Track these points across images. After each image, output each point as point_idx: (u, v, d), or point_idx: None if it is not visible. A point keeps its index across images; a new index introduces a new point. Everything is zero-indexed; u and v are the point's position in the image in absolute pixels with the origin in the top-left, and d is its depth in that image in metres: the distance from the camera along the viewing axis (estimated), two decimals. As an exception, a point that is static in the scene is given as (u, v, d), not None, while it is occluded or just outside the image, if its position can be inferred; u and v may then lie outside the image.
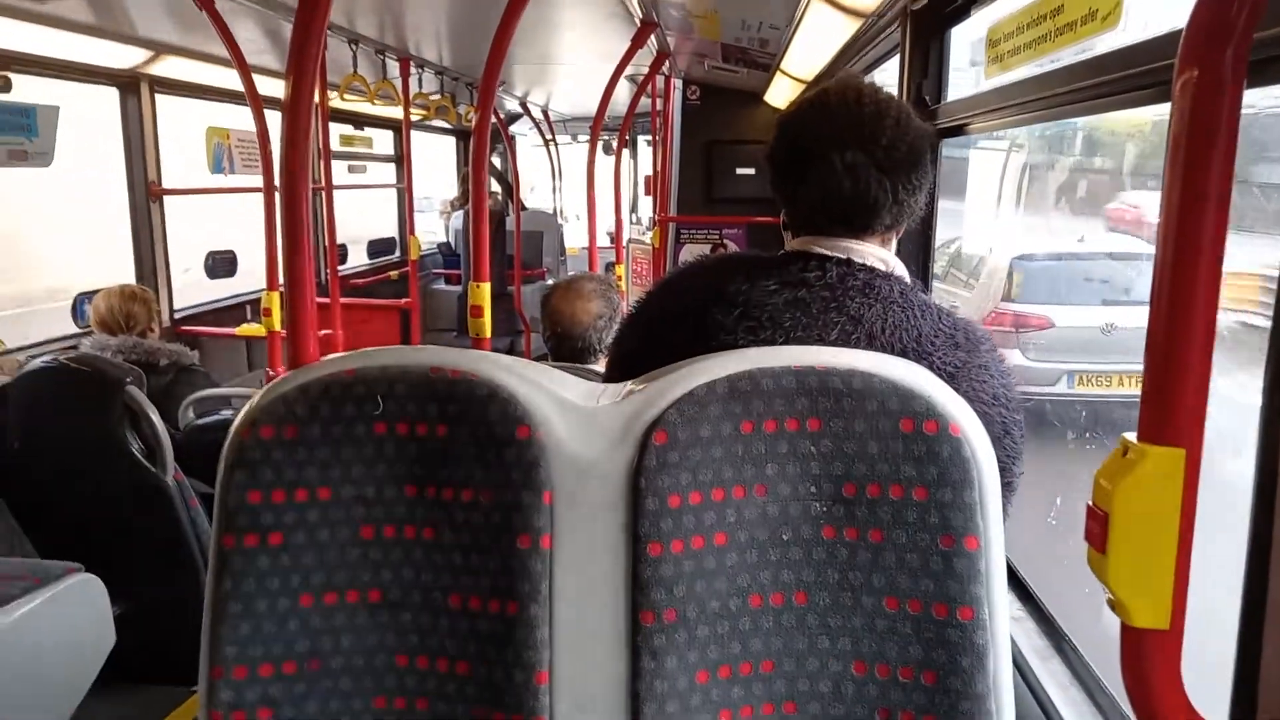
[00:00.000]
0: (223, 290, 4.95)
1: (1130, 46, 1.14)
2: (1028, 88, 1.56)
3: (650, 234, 5.61)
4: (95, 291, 3.43)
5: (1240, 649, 0.80)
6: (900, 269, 1.14)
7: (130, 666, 2.03)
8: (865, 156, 1.08)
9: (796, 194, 1.14)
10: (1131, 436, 0.65)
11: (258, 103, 3.58)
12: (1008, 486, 1.04)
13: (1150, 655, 0.66)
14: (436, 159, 8.43)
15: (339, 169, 5.94)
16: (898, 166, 1.09)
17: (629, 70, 4.12)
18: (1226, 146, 0.63)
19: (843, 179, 1.08)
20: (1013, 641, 0.94)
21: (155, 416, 2.37)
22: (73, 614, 1.73)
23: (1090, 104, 1.34)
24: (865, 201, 1.09)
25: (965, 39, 2.16)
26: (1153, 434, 0.64)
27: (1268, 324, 0.80)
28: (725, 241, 5.57)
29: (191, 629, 0.93)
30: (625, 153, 7.39)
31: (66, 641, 1.72)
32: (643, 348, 1.15)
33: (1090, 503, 0.67)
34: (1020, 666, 1.44)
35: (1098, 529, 0.65)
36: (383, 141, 6.74)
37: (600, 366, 2.25)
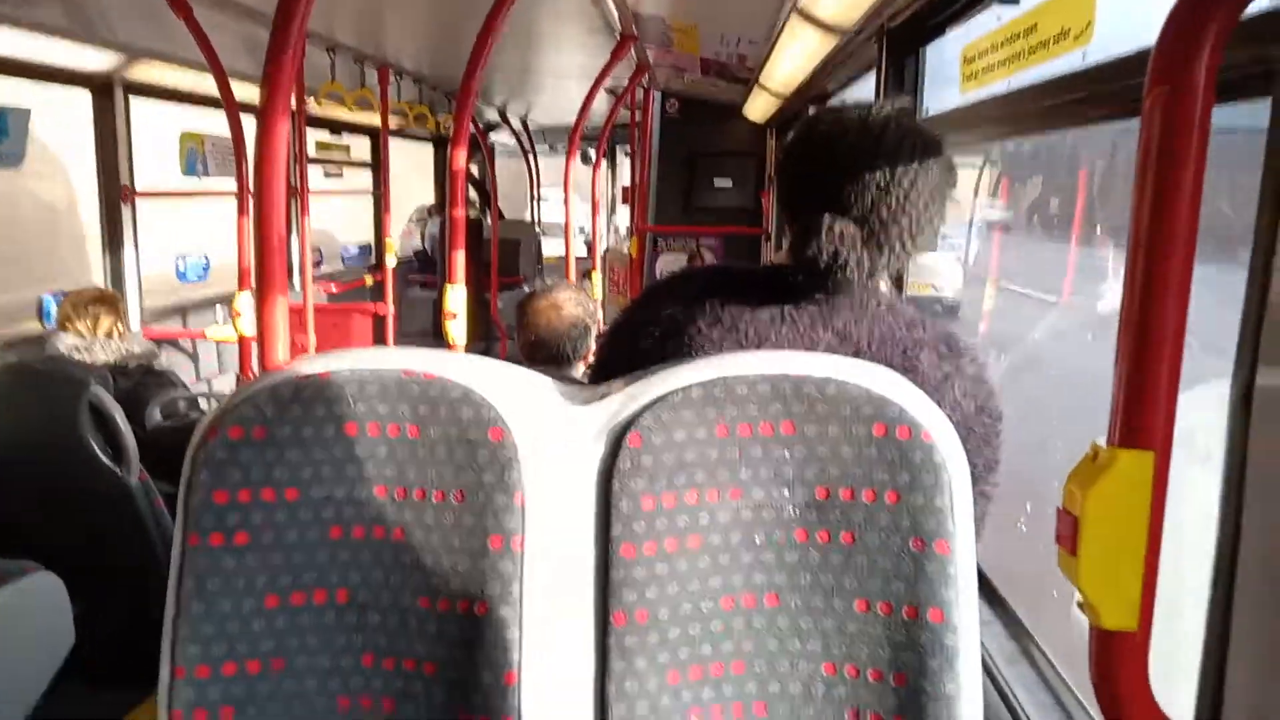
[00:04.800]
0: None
1: (1103, 64, 1.16)
2: (1001, 105, 1.58)
3: (628, 244, 5.62)
4: (63, 292, 3.39)
5: (1206, 650, 0.81)
6: (883, 282, 1.14)
7: (90, 666, 1.99)
8: (903, 214, 1.05)
9: (819, 219, 1.06)
10: (1102, 440, 0.66)
11: (234, 107, 3.55)
12: (982, 495, 1.04)
13: (1118, 656, 0.66)
14: (415, 168, 8.40)
15: (315, 174, 5.90)
16: (930, 216, 1.08)
17: (608, 82, 4.14)
18: (1197, 160, 0.64)
19: (875, 223, 1.05)
20: (982, 645, 0.94)
21: (120, 418, 2.34)
22: (31, 613, 1.70)
23: (1063, 120, 1.37)
24: (894, 249, 1.07)
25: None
26: (1123, 438, 0.65)
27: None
28: (702, 252, 5.59)
29: (153, 629, 0.91)
30: (603, 163, 7.40)
31: (24, 640, 1.68)
32: (625, 358, 1.14)
33: (1061, 506, 0.68)
34: (989, 669, 1.45)
35: (1068, 531, 0.66)
36: (360, 148, 6.71)
37: (575, 374, 2.25)
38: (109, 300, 3.08)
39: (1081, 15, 1.32)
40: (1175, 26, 0.64)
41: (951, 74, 1.88)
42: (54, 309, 3.67)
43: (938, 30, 2.12)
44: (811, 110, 3.77)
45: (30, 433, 2.32)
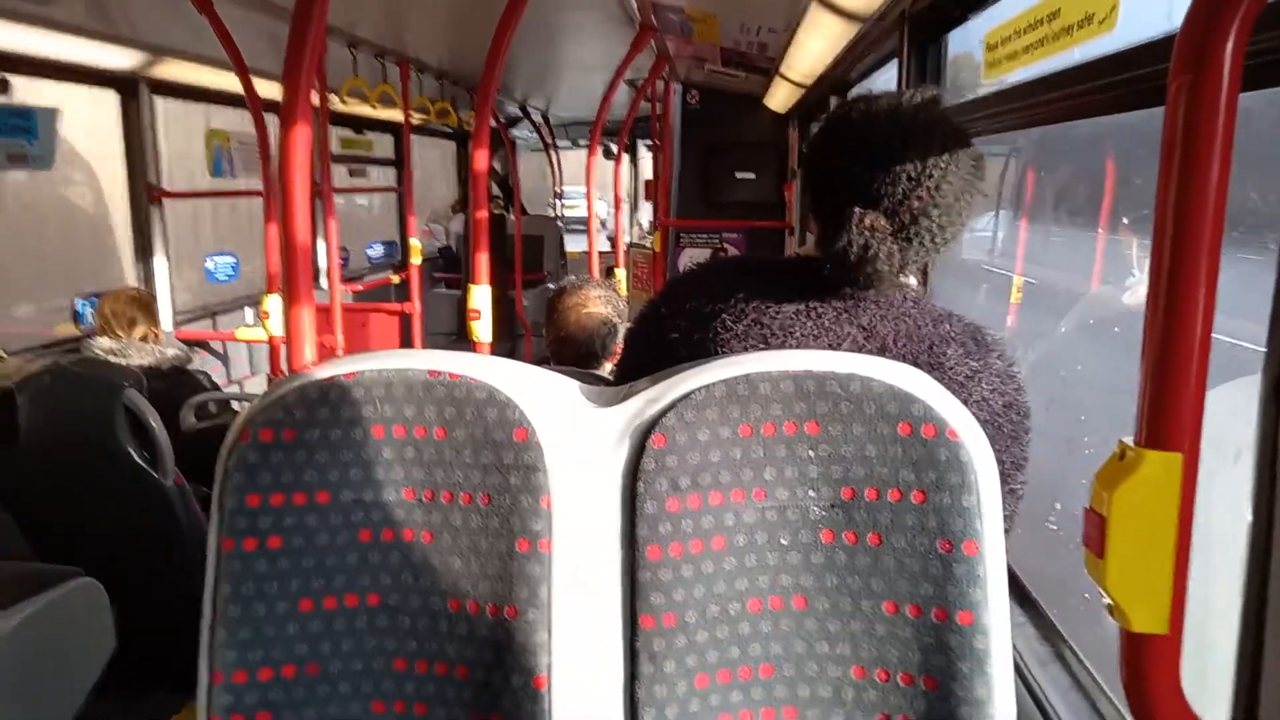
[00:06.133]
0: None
1: (1127, 50, 1.14)
2: (1024, 92, 1.56)
3: (650, 238, 5.61)
4: (95, 295, 3.44)
5: (1240, 653, 0.79)
6: (910, 277, 1.12)
7: (130, 671, 2.02)
8: (934, 206, 1.03)
9: (849, 211, 1.04)
10: (1129, 440, 0.65)
11: (257, 106, 3.58)
12: (1011, 494, 1.03)
13: (1149, 660, 0.66)
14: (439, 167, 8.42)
15: (339, 172, 5.94)
16: (960, 209, 1.06)
17: (628, 74, 4.13)
18: (1223, 151, 0.63)
19: (905, 215, 1.04)
20: (1014, 646, 0.94)
21: (155, 420, 2.37)
22: (73, 619, 1.73)
23: (1086, 107, 1.34)
24: (924, 242, 1.05)
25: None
26: (1150, 438, 0.64)
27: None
28: (725, 245, 5.57)
29: (191, 633, 0.93)
30: (625, 157, 7.39)
31: (67, 646, 1.71)
32: (652, 350, 1.14)
33: (1088, 506, 0.67)
34: (1021, 671, 1.44)
35: (1096, 533, 0.65)
36: (383, 145, 6.75)
37: (603, 371, 2.26)
38: (144, 303, 3.12)
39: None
40: (1201, 9, 0.63)
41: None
42: (88, 312, 3.72)
43: (961, 17, 2.09)
44: (833, 100, 3.74)
45: (67, 436, 2.36)
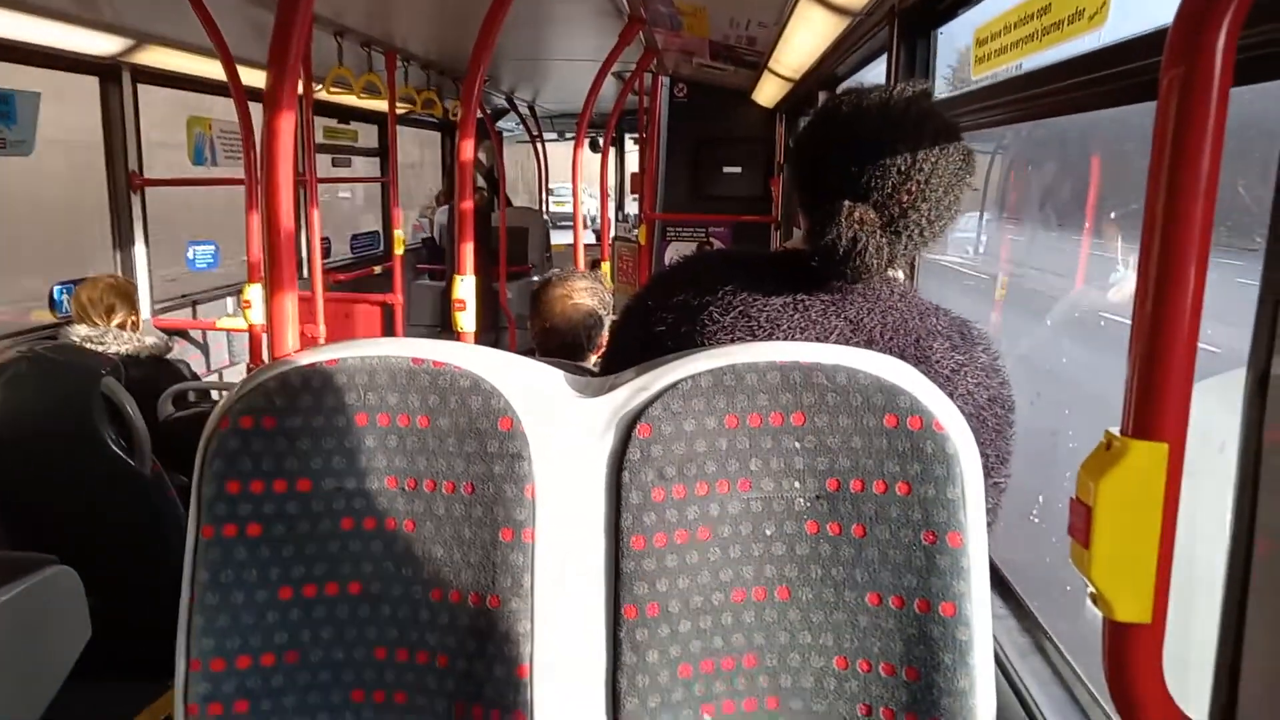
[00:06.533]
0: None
1: (1118, 44, 1.15)
2: (1014, 86, 1.56)
3: (636, 231, 5.60)
4: (73, 281, 3.40)
5: (1221, 643, 0.80)
6: (898, 271, 1.12)
7: (106, 659, 2.00)
8: (923, 200, 1.03)
9: (839, 204, 1.04)
10: (1115, 430, 0.65)
11: (241, 94, 3.55)
12: (995, 487, 1.04)
13: (1132, 649, 0.66)
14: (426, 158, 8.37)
15: (323, 162, 5.89)
16: (949, 204, 1.06)
17: (616, 67, 4.11)
18: (1214, 144, 0.63)
19: (894, 209, 1.04)
20: (995, 638, 0.94)
21: (133, 408, 2.35)
22: (48, 607, 1.71)
23: (1078, 102, 1.35)
24: (912, 236, 1.05)
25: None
26: (1137, 428, 0.64)
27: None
28: (711, 240, 5.57)
29: (168, 622, 0.92)
30: (611, 150, 7.37)
31: (41, 635, 1.70)
32: (638, 342, 1.13)
33: (1074, 496, 0.67)
34: (1002, 663, 1.44)
35: (1081, 523, 0.65)
36: (368, 135, 6.70)
37: (588, 363, 2.25)
38: (123, 291, 3.09)
39: (1095, -5, 1.30)
40: (1192, 3, 0.63)
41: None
42: (65, 299, 3.68)
43: (950, 12, 2.09)
44: (821, 95, 3.75)
45: (44, 423, 2.34)
